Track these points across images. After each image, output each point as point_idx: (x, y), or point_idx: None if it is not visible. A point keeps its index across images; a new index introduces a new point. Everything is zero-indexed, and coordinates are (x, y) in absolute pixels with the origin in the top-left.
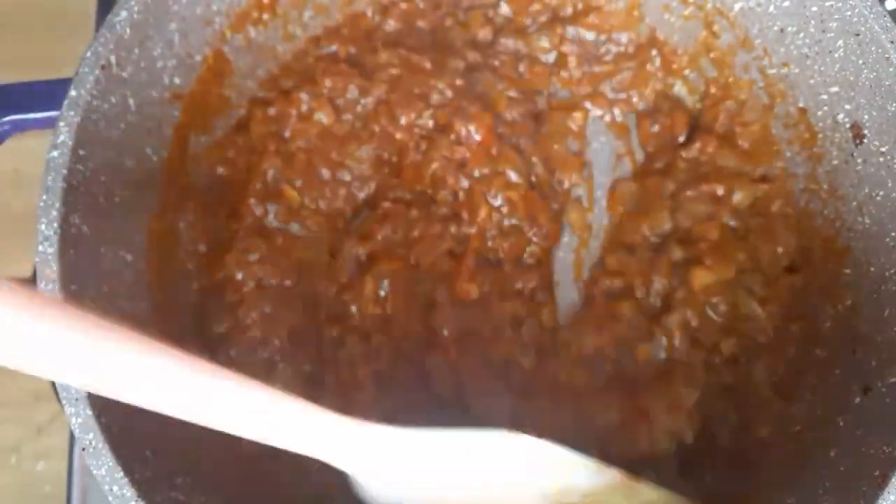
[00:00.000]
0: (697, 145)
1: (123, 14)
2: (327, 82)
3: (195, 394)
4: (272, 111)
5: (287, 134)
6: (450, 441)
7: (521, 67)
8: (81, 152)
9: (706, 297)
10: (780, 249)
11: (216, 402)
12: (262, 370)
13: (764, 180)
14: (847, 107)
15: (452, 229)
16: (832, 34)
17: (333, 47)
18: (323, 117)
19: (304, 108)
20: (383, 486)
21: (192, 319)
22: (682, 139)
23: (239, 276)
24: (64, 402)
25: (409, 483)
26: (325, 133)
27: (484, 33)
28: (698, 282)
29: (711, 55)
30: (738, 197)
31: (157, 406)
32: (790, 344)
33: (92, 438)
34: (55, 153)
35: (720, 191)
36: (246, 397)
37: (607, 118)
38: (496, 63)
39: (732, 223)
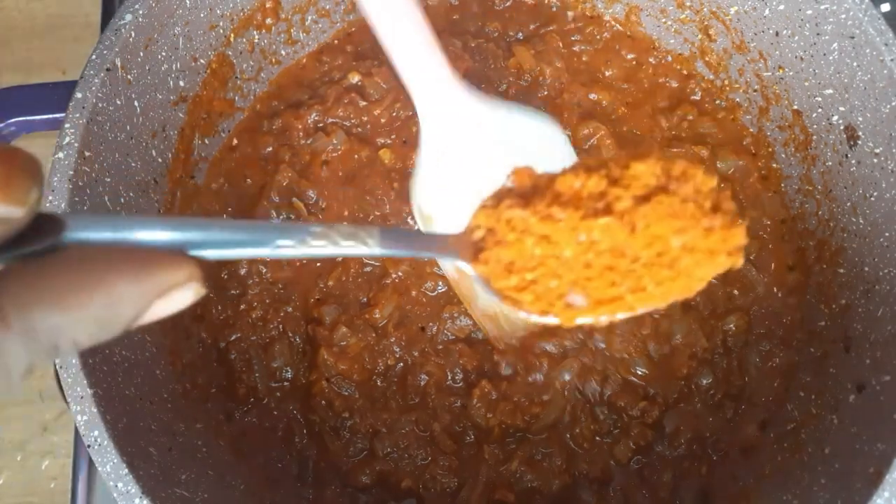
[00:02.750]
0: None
1: (128, 17)
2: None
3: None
4: (277, 123)
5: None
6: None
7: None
8: (87, 154)
9: None
10: (766, 221)
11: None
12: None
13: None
14: (841, 109)
15: None
16: (827, 37)
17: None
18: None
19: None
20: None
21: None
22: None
23: (243, 270)
24: (69, 400)
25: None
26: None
27: (494, 28)
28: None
29: (707, 59)
30: (721, 164)
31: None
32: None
33: (97, 436)
34: (61, 154)
35: (704, 152)
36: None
37: None
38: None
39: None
